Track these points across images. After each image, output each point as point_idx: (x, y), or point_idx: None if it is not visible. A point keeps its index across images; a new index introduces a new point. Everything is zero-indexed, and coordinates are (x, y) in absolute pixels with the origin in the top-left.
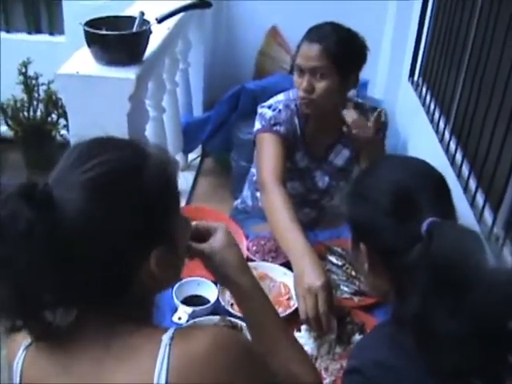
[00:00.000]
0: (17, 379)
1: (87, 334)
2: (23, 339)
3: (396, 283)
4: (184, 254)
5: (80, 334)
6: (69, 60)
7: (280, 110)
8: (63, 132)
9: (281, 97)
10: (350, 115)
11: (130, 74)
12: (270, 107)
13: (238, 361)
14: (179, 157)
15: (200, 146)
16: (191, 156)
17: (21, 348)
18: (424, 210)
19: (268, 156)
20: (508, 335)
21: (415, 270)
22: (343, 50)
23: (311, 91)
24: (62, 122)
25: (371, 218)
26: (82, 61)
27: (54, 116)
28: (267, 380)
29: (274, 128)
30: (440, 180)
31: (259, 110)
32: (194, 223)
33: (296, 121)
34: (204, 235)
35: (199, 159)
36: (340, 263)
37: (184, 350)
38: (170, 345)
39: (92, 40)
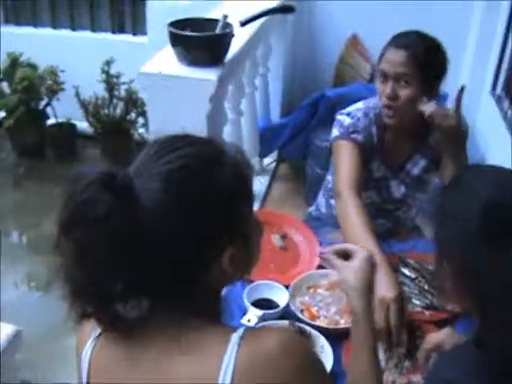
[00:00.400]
0: (85, 369)
1: (156, 326)
2: (93, 330)
3: (481, 307)
4: (256, 254)
5: (149, 326)
6: (151, 59)
7: (359, 118)
8: (141, 130)
9: (360, 105)
10: (428, 106)
11: (211, 75)
12: (348, 114)
13: (302, 367)
14: (255, 161)
15: (276, 151)
16: (267, 160)
17: (90, 338)
18: None
19: (344, 164)
20: None
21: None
22: (430, 59)
23: (394, 98)
24: (141, 120)
25: (459, 239)
26: (165, 60)
27: (133, 115)
28: None
29: (352, 136)
30: None
31: (338, 117)
32: (344, 245)
33: (374, 130)
34: (348, 255)
35: (274, 164)
36: (413, 276)
37: (251, 351)
38: (238, 344)
39: (176, 40)
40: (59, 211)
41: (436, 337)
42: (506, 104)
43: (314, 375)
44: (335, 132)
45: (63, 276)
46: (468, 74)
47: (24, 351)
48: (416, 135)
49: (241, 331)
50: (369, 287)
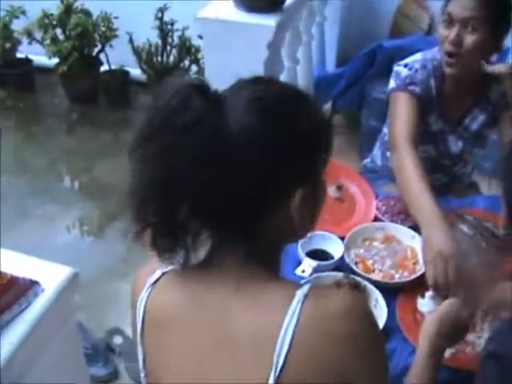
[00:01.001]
0: (140, 315)
1: (220, 269)
2: (148, 276)
3: None
4: (321, 206)
5: (213, 270)
6: (208, 5)
7: (417, 70)
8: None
9: (418, 56)
10: (496, 68)
11: (270, 21)
12: (406, 66)
13: (363, 330)
14: None
15: (330, 102)
16: None
17: (146, 285)
18: None
19: (401, 116)
20: None
21: None
22: (502, 3)
23: (459, 44)
24: (194, 68)
25: None
26: (222, 6)
27: (187, 62)
28: (382, 366)
29: (410, 88)
30: None
31: (395, 68)
32: None
33: (432, 82)
34: None
35: (329, 114)
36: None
37: (315, 308)
38: (302, 302)
39: None
40: (146, 116)
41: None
42: None
43: (375, 340)
44: (392, 83)
45: (132, 185)
46: None
47: (79, 293)
48: (476, 88)
49: (305, 288)
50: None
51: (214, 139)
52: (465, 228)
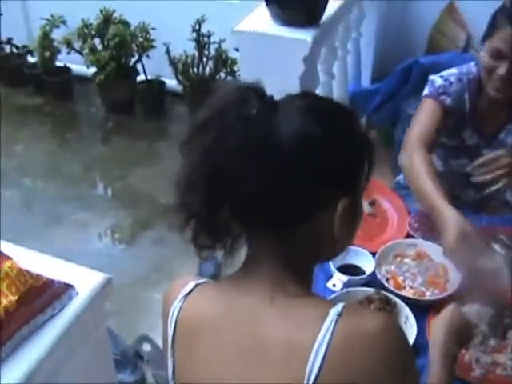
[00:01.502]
0: (171, 327)
1: (254, 280)
2: (182, 288)
3: None
4: (360, 220)
5: (247, 279)
6: (245, 18)
7: (451, 82)
8: None
9: (454, 70)
10: None
11: (306, 35)
12: (441, 77)
13: (399, 353)
14: None
15: (365, 117)
16: None
17: (179, 296)
18: None
19: (420, 120)
20: None
21: None
22: None
23: (509, 80)
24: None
25: None
26: (259, 19)
27: (222, 74)
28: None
29: (441, 97)
30: None
31: (430, 78)
32: None
33: (466, 95)
34: None
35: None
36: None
37: (350, 328)
38: (336, 320)
39: None
40: (201, 111)
41: None
42: None
43: (406, 360)
44: (425, 91)
45: (180, 176)
46: None
47: (110, 300)
48: (511, 104)
49: (339, 307)
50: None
51: (264, 139)
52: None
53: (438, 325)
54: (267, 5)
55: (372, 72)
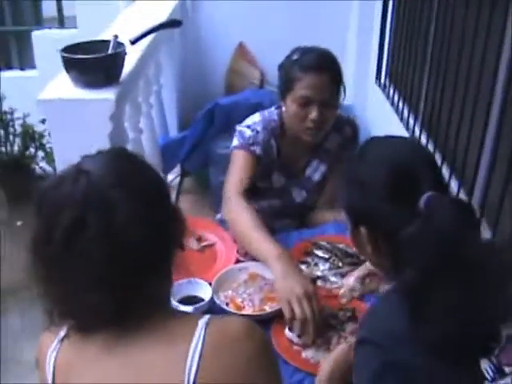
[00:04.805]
0: (50, 371)
1: (126, 317)
2: (55, 334)
3: (396, 258)
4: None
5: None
6: (48, 86)
7: (258, 132)
8: (42, 164)
9: (257, 118)
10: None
11: (109, 94)
12: (248, 127)
13: (261, 350)
14: None
15: (179, 166)
16: (170, 176)
17: (54, 342)
18: (421, 186)
19: (237, 171)
20: (504, 306)
21: (415, 243)
22: (341, 73)
23: (322, 121)
24: (41, 154)
25: (369, 202)
26: (61, 86)
27: (32, 149)
28: (278, 381)
29: (252, 148)
30: (429, 155)
31: (238, 128)
32: None
33: (273, 143)
34: None
35: (179, 178)
36: (326, 256)
37: (218, 333)
38: (205, 329)
39: (69, 65)
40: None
41: None
42: (391, 90)
43: (272, 358)
44: (235, 142)
45: (45, 287)
46: (353, 68)
47: None
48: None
49: (206, 317)
50: None
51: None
52: (320, 252)
53: (327, 364)
54: (67, 72)
55: (178, 121)
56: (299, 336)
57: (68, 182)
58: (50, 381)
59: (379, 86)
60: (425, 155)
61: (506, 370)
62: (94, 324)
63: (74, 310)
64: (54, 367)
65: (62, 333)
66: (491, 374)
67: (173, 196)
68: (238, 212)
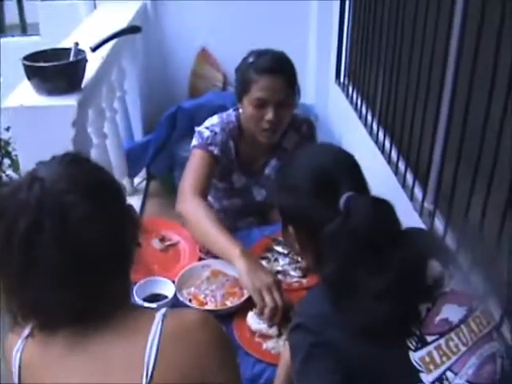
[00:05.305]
0: (16, 367)
1: (88, 314)
2: (20, 332)
3: (318, 253)
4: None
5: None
6: (11, 94)
7: (216, 133)
8: (8, 172)
9: (215, 119)
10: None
11: (71, 100)
12: (207, 128)
13: (217, 339)
14: (125, 181)
15: (144, 169)
16: (136, 180)
17: (20, 340)
18: (340, 188)
19: (194, 170)
20: (423, 290)
21: (334, 239)
22: (295, 75)
23: (277, 122)
24: (7, 162)
25: (295, 203)
26: (24, 94)
27: None
28: (234, 369)
29: (210, 148)
30: (350, 159)
31: (197, 129)
32: None
33: (231, 143)
34: None
35: (145, 182)
36: (286, 251)
37: (174, 325)
38: (162, 321)
39: (31, 73)
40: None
41: None
42: (350, 89)
43: (227, 347)
44: (194, 142)
45: (7, 290)
46: (314, 67)
47: None
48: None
49: (163, 310)
50: None
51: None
52: (279, 248)
53: (286, 352)
54: (29, 79)
55: (142, 125)
56: (270, 326)
57: (23, 189)
58: (16, 380)
59: (339, 85)
60: (345, 160)
61: (428, 338)
62: (56, 323)
63: (36, 310)
64: (20, 367)
65: (26, 332)
66: (414, 344)
67: (139, 200)
68: (195, 210)
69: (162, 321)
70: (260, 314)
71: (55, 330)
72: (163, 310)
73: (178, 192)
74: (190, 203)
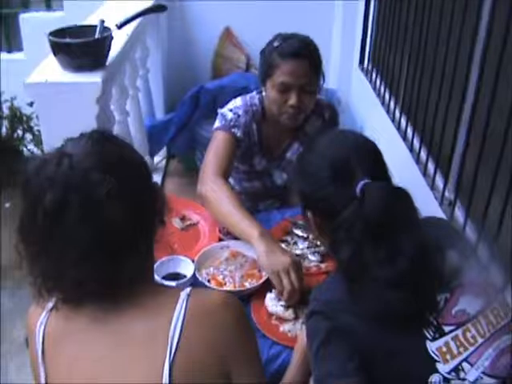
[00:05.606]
0: (39, 339)
1: (113, 293)
2: (44, 306)
3: (334, 238)
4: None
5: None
6: (36, 70)
7: (239, 115)
8: (30, 146)
9: (239, 102)
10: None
11: (96, 77)
12: (231, 110)
13: (239, 320)
14: (146, 159)
15: (165, 148)
16: (157, 159)
17: (43, 313)
18: (357, 176)
19: (216, 151)
20: (439, 280)
21: (349, 224)
22: (320, 59)
23: (301, 106)
24: (28, 136)
25: (313, 189)
26: (49, 69)
27: (20, 132)
28: (255, 350)
29: (233, 130)
30: (370, 145)
31: (220, 111)
32: None
33: (254, 126)
34: None
35: (165, 161)
36: (305, 235)
37: (198, 304)
38: (187, 300)
39: (57, 49)
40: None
41: None
42: (373, 75)
43: (248, 329)
44: (217, 123)
45: (32, 264)
46: (338, 52)
47: None
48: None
49: (188, 290)
50: None
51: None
52: (299, 232)
53: (303, 335)
54: (55, 55)
55: (164, 104)
56: (286, 308)
57: (51, 164)
58: (39, 351)
59: (362, 70)
60: (364, 146)
61: (446, 329)
62: (79, 297)
63: (61, 285)
64: (43, 338)
65: (50, 304)
66: (432, 333)
67: (159, 178)
68: (217, 191)
69: (187, 300)
70: (279, 295)
71: (79, 304)
72: (188, 290)
73: (200, 173)
74: (212, 184)
